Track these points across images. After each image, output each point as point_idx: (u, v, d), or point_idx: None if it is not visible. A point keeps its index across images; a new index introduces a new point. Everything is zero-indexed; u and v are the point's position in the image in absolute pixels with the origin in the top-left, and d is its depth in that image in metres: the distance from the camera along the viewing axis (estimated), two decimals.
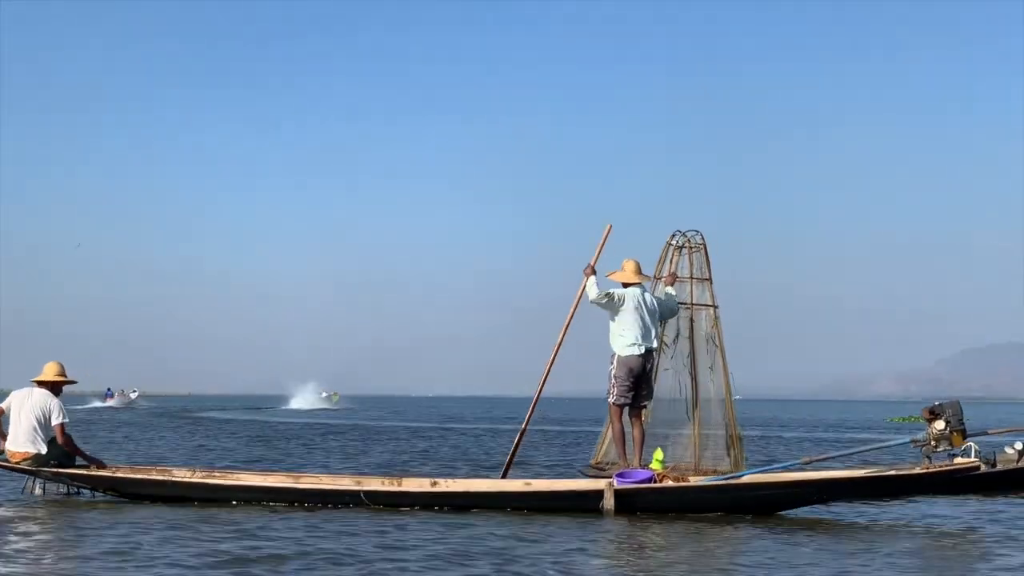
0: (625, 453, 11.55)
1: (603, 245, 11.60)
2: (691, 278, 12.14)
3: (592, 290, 11.42)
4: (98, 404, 72.73)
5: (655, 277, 12.16)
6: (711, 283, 12.25)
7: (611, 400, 11.52)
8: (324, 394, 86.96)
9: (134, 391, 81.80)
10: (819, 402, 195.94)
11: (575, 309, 11.71)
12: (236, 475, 11.70)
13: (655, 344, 11.63)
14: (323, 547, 8.60)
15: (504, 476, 12.04)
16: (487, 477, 13.32)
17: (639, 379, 11.47)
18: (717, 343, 12.05)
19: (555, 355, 11.88)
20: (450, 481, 11.55)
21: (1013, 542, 9.84)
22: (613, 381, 11.49)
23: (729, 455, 11.87)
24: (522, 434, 11.99)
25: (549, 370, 11.98)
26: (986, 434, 11.88)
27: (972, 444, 14.62)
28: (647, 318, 11.46)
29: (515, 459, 12.29)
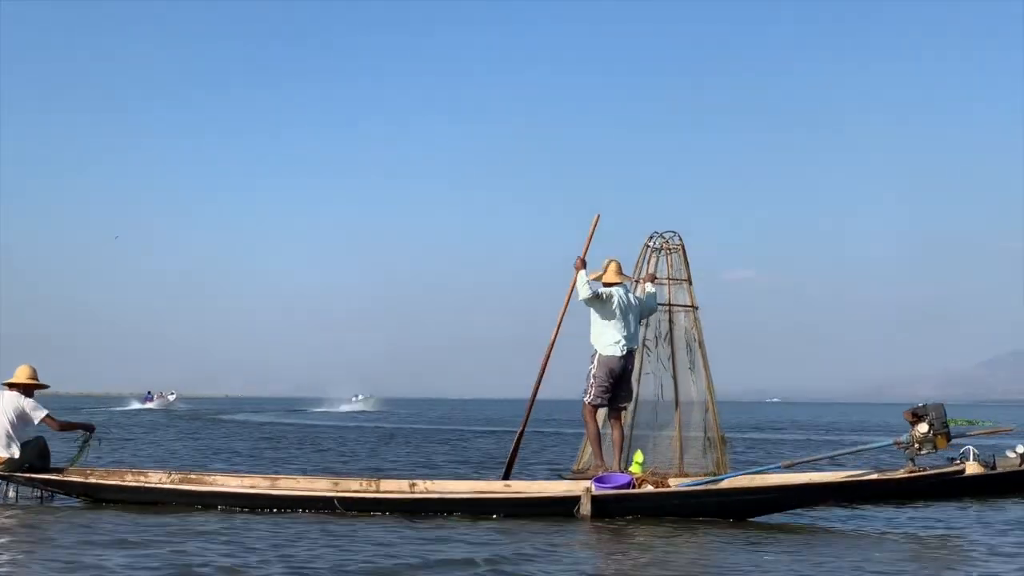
0: (601, 454, 11.39)
1: (592, 235, 11.45)
2: (668, 279, 11.99)
3: (584, 289, 11.24)
4: (137, 406, 75.27)
5: (635, 279, 12.03)
6: (690, 284, 12.12)
7: (587, 400, 11.35)
8: (360, 396, 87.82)
9: (172, 393, 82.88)
10: (858, 405, 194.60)
11: (567, 304, 11.56)
12: (211, 478, 11.58)
13: (637, 345, 11.48)
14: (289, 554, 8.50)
15: (506, 477, 11.91)
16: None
17: (619, 380, 11.32)
18: (698, 344, 11.87)
19: (549, 352, 11.70)
20: (429, 483, 11.42)
21: (994, 549, 9.56)
22: (591, 380, 11.33)
23: (712, 458, 11.68)
24: (520, 436, 11.79)
25: (544, 369, 11.81)
26: (967, 435, 11.61)
27: (971, 447, 14.46)
28: (630, 318, 11.32)
29: (516, 460, 12.14)
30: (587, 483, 10.74)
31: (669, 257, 12.12)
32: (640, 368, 12.00)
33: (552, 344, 11.68)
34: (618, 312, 11.25)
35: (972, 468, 14.05)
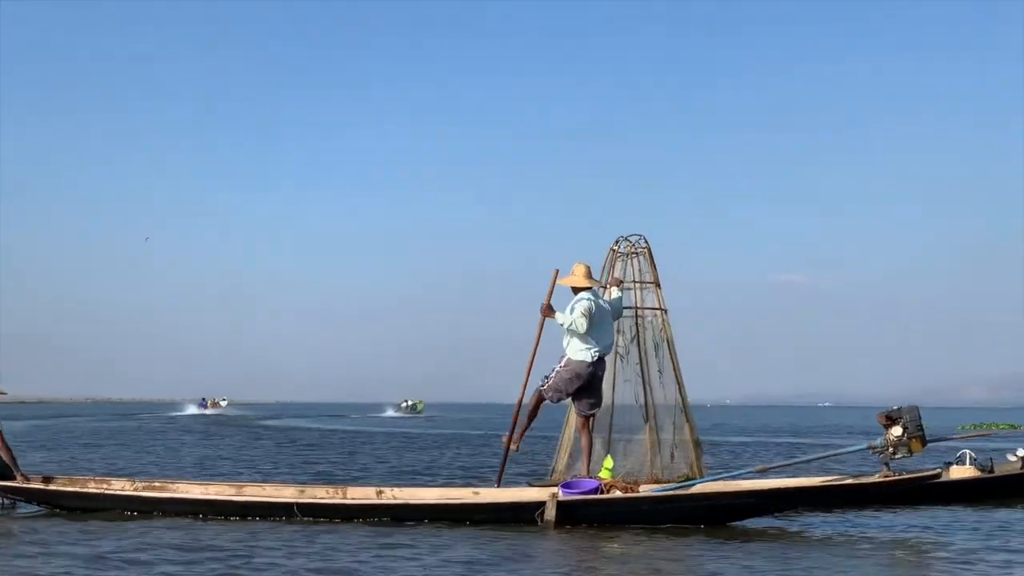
0: (523, 431, 11.30)
1: (552, 289, 11.28)
2: (635, 282, 11.85)
3: (568, 319, 11.00)
4: (193, 411, 78.91)
5: (601, 284, 11.87)
6: (658, 287, 11.94)
7: (541, 385, 11.21)
8: (408, 402, 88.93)
9: (223, 399, 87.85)
10: None
11: (536, 349, 11.37)
12: (175, 486, 11.52)
13: (610, 352, 11.32)
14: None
15: (498, 485, 11.79)
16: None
17: (586, 386, 11.11)
18: (667, 347, 11.71)
19: (524, 387, 11.57)
20: (396, 491, 11.33)
21: (974, 553, 9.34)
22: (553, 375, 11.17)
23: (685, 462, 11.50)
24: (508, 445, 11.58)
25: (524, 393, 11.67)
26: (949, 439, 11.40)
27: (968, 452, 14.20)
28: (601, 325, 11.14)
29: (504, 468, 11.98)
30: (554, 489, 10.65)
31: (636, 260, 11.95)
32: (614, 374, 11.84)
33: (525, 384, 11.48)
34: (592, 319, 11.12)
35: (968, 472, 13.82)
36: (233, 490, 11.25)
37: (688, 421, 11.64)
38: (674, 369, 11.73)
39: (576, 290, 11.24)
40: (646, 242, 12.01)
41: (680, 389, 11.68)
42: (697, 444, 11.67)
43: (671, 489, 10.67)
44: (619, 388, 11.76)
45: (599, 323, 11.10)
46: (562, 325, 11.05)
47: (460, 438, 34.32)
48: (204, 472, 17.84)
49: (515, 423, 11.33)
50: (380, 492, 11.17)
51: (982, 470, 13.92)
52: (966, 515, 11.93)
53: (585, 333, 10.94)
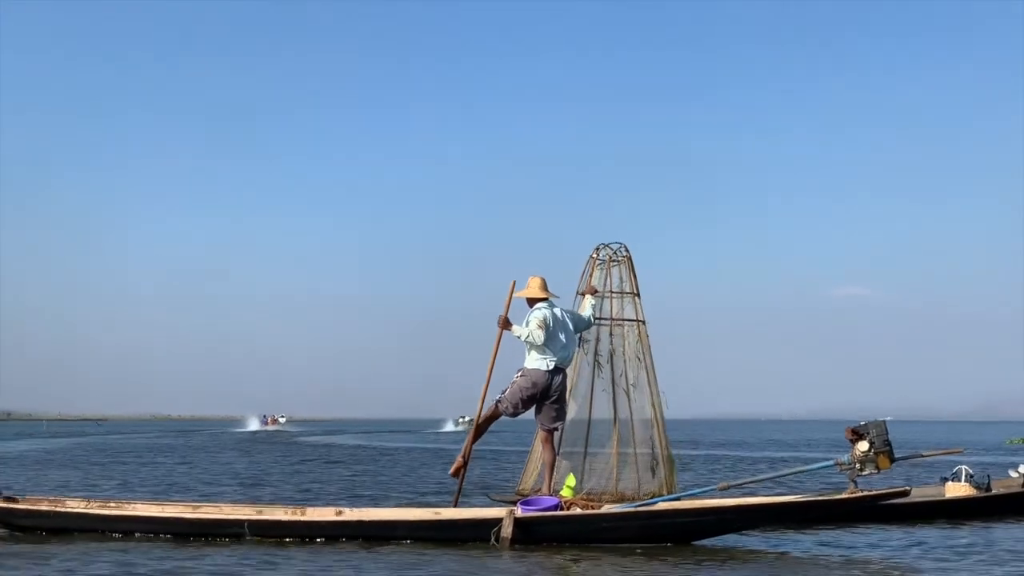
0: (470, 446, 11.13)
1: (509, 301, 11.12)
2: (610, 292, 11.61)
3: (524, 331, 10.92)
4: (255, 427, 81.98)
5: (578, 292, 11.68)
6: (638, 297, 11.69)
7: (497, 398, 11.07)
8: (465, 417, 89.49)
9: (282, 416, 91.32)
10: (970, 423, 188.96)
11: (494, 362, 11.20)
12: (129, 505, 11.37)
13: (569, 363, 11.15)
14: None
15: (455, 505, 11.64)
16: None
17: (543, 397, 10.98)
18: (642, 359, 11.46)
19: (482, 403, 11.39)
20: (355, 511, 11.19)
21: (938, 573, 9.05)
22: (511, 387, 11.05)
23: (655, 478, 11.24)
24: (465, 463, 11.42)
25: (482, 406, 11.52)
26: (921, 456, 11.09)
27: (964, 468, 13.82)
28: (559, 335, 11.01)
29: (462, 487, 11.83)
30: (513, 506, 10.47)
31: (616, 269, 11.69)
32: (592, 387, 11.65)
33: (483, 400, 11.30)
34: (550, 329, 10.95)
35: (962, 490, 13.45)
36: (188, 509, 11.13)
37: (661, 436, 11.36)
38: (649, 383, 11.45)
39: (532, 302, 11.10)
40: (627, 251, 11.77)
41: (653, 403, 11.40)
42: (670, 460, 11.39)
43: (630, 507, 10.45)
44: (596, 401, 11.51)
45: (556, 333, 10.96)
46: (519, 338, 10.90)
47: (497, 454, 34.13)
48: (206, 487, 17.88)
49: (472, 438, 11.17)
50: (340, 512, 11.02)
51: (978, 487, 13.55)
52: (933, 533, 11.65)
53: (543, 344, 10.81)
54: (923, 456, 11.03)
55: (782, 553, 10.06)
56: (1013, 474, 14.40)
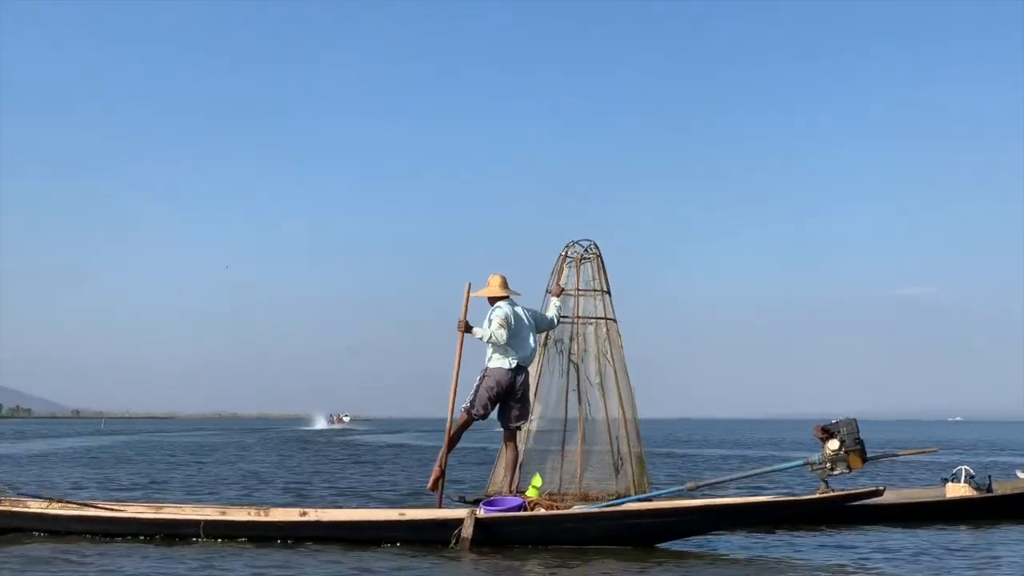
0: (445, 457, 10.80)
1: (467, 303, 10.86)
2: (576, 290, 11.29)
3: (486, 332, 10.68)
4: (321, 426, 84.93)
5: (547, 290, 11.41)
6: (607, 295, 11.36)
7: (465, 405, 10.79)
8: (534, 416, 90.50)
9: (346, 415, 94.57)
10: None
11: (458, 368, 10.93)
12: (88, 505, 11.17)
13: (530, 361, 10.90)
14: None
15: (439, 506, 11.40)
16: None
17: (507, 395, 10.75)
18: (610, 358, 11.13)
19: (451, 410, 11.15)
20: (319, 511, 11.01)
21: None
22: (475, 389, 10.79)
23: (621, 478, 10.91)
24: (443, 473, 11.05)
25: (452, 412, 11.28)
26: (895, 455, 10.72)
27: (964, 468, 13.38)
28: (520, 333, 10.77)
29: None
30: (475, 507, 10.25)
31: (585, 267, 11.37)
32: (567, 386, 11.35)
33: (452, 407, 11.02)
34: (510, 327, 10.71)
35: (961, 491, 13.04)
36: (149, 510, 10.98)
37: (628, 436, 11.03)
38: (616, 381, 11.13)
39: (493, 300, 10.88)
40: (596, 248, 11.46)
41: (621, 402, 11.08)
42: (640, 460, 11.06)
43: (594, 507, 10.19)
44: (571, 400, 11.20)
45: (518, 331, 10.75)
46: (481, 339, 10.68)
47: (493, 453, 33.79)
48: (224, 486, 17.92)
49: (447, 448, 10.89)
50: (304, 513, 10.84)
51: (978, 488, 13.13)
52: (920, 535, 11.32)
53: (505, 343, 10.59)
54: (897, 456, 10.68)
55: (752, 558, 9.74)
56: (1020, 475, 13.93)
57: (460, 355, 10.83)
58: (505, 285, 10.94)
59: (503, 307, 10.77)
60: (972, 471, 13.45)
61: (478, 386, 10.78)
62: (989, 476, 13.68)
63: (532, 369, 11.05)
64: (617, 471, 10.93)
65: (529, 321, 10.89)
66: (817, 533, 11.28)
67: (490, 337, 10.60)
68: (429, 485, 10.97)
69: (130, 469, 24.12)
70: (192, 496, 15.79)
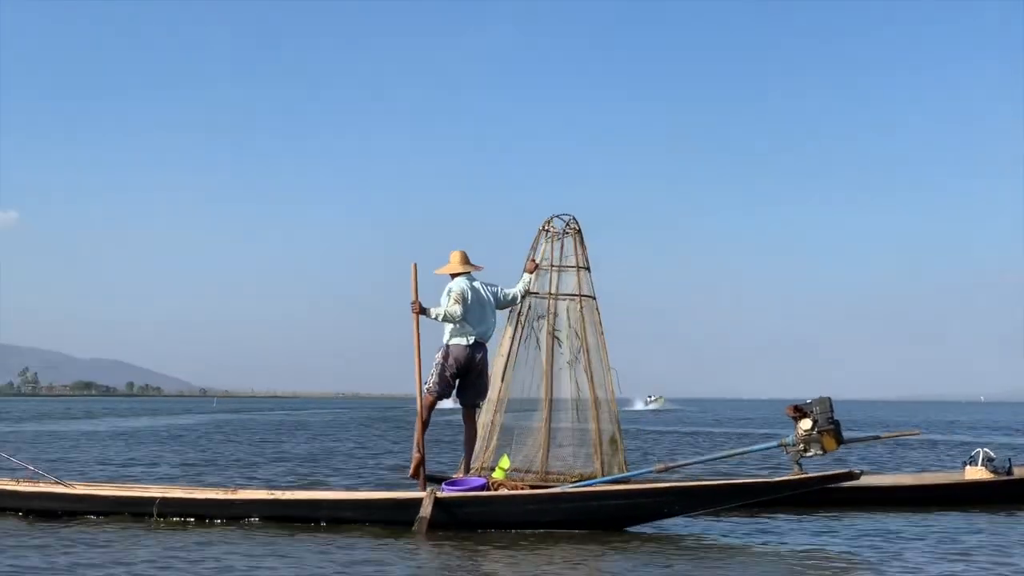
0: (421, 444, 10.40)
1: (415, 285, 10.47)
2: (551, 266, 10.79)
3: (440, 310, 10.38)
4: (641, 407, 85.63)
5: (532, 264, 10.92)
6: (583, 270, 10.80)
7: (427, 385, 10.46)
8: (651, 397, 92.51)
9: (651, 397, 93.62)
10: None
11: (419, 352, 10.55)
12: (52, 484, 10.85)
13: (488, 337, 10.54)
14: None
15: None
16: None
17: (465, 372, 10.43)
18: (581, 336, 10.62)
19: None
20: (292, 492, 10.79)
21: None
22: (434, 369, 10.47)
23: (588, 459, 10.40)
24: (422, 458, 10.68)
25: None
26: (877, 438, 10.16)
27: (982, 451, 12.69)
28: (478, 309, 10.46)
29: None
30: (436, 487, 9.92)
31: (562, 242, 10.85)
32: (552, 364, 10.86)
33: (419, 387, 10.59)
34: (466, 303, 10.41)
35: (979, 474, 12.37)
36: (117, 489, 10.84)
37: (598, 416, 10.50)
38: (587, 360, 10.62)
39: (453, 276, 10.58)
40: (576, 223, 10.95)
41: (591, 381, 10.57)
42: (613, 441, 10.54)
43: (557, 488, 9.80)
44: (540, 379, 10.71)
45: (476, 307, 10.45)
46: (437, 318, 10.34)
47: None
48: (272, 464, 18.01)
49: (420, 431, 10.54)
50: (271, 493, 10.66)
51: (996, 472, 12.43)
52: (902, 521, 10.81)
53: (461, 319, 10.25)
54: (880, 438, 10.12)
55: (715, 543, 9.41)
56: None
57: (418, 336, 10.48)
58: (465, 261, 10.64)
59: (460, 282, 10.46)
60: (992, 454, 12.78)
61: (437, 365, 10.47)
62: (1009, 459, 13.09)
63: (507, 346, 10.65)
64: (589, 452, 10.46)
65: (488, 297, 10.57)
66: (815, 518, 10.95)
67: (445, 315, 10.30)
68: (411, 472, 10.52)
69: (200, 446, 24.23)
70: (219, 476, 15.67)
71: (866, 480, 11.46)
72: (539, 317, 10.78)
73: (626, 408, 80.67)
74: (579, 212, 10.88)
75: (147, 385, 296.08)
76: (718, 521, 10.47)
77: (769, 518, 10.77)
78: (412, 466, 10.44)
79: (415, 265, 10.43)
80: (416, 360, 10.42)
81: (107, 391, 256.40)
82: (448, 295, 10.43)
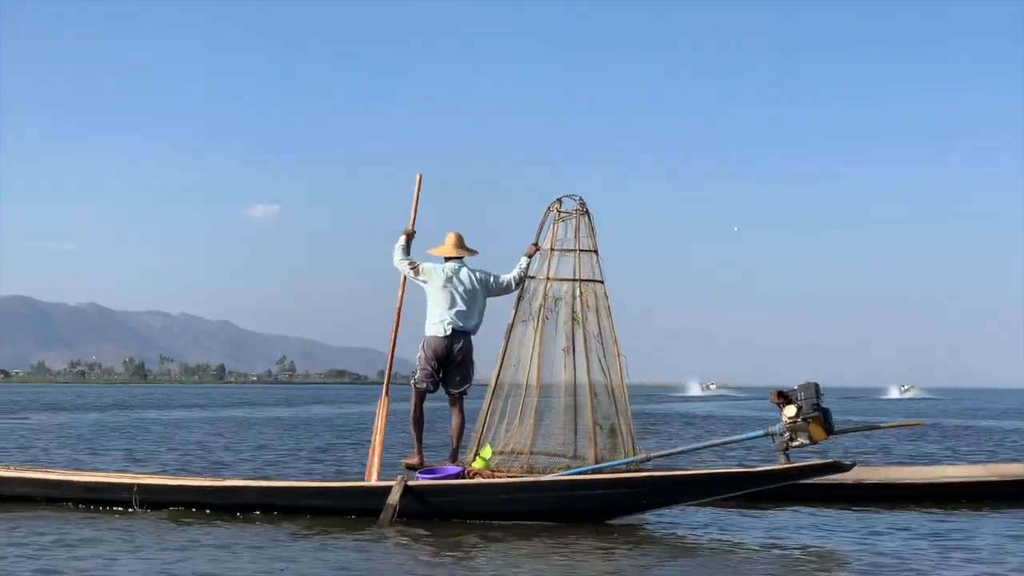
0: (420, 441, 10.09)
1: (417, 200, 10.20)
2: (551, 249, 10.20)
3: (397, 252, 10.18)
4: (696, 393, 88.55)
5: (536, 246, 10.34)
6: (586, 253, 10.16)
7: (413, 380, 10.15)
8: (904, 386, 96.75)
9: (711, 384, 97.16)
10: None
11: (403, 288, 10.28)
12: (27, 470, 10.90)
13: (468, 325, 10.10)
14: None
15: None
16: None
17: (446, 362, 10.07)
18: (582, 321, 10.05)
19: (392, 347, 10.47)
20: (278, 482, 10.57)
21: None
22: (417, 362, 10.17)
23: (580, 448, 9.85)
24: (422, 456, 10.28)
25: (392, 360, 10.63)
26: (877, 428, 9.49)
27: None
28: (460, 296, 10.06)
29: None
30: (409, 476, 9.52)
31: (569, 224, 10.23)
32: (556, 348, 10.32)
33: (394, 340, 10.36)
34: (444, 290, 10.05)
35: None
36: (102, 476, 10.79)
37: (592, 404, 9.93)
38: (584, 345, 10.05)
39: (446, 260, 10.25)
40: (584, 204, 10.33)
41: (588, 368, 10.01)
42: (613, 431, 9.95)
43: (532, 478, 9.32)
44: (534, 364, 10.20)
45: (452, 296, 10.07)
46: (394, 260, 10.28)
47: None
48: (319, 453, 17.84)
49: (415, 429, 10.14)
50: (246, 481, 10.45)
51: None
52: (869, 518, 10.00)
53: (446, 306, 10.01)
54: (880, 428, 9.43)
55: (710, 541, 8.86)
56: None
57: (403, 292, 10.30)
58: (459, 244, 10.28)
59: (450, 268, 10.16)
60: None
61: (418, 358, 10.20)
62: None
63: (508, 331, 10.12)
64: (570, 440, 9.91)
65: (474, 286, 10.16)
66: (813, 512, 10.23)
67: (397, 257, 10.24)
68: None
69: (257, 436, 23.87)
70: (236, 469, 15.42)
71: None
72: (555, 300, 10.25)
73: (677, 394, 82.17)
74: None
75: (397, 373, 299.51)
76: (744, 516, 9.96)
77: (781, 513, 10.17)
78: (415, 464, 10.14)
79: (420, 176, 10.15)
80: (395, 320, 10.28)
81: (358, 379, 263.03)
82: (419, 268, 10.16)
